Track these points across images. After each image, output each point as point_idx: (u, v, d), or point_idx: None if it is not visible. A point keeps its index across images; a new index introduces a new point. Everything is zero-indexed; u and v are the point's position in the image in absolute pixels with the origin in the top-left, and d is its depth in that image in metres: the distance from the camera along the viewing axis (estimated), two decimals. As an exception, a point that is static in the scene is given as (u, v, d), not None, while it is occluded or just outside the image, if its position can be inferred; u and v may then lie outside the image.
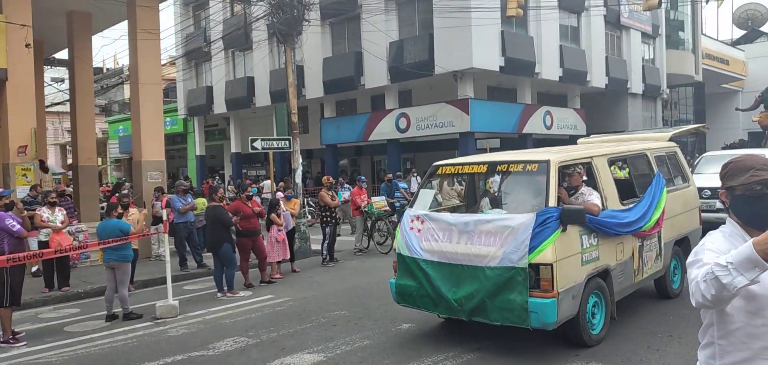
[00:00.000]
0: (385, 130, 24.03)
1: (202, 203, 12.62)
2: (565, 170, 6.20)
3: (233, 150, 32.11)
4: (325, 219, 12.09)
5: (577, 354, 5.83)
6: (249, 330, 7.43)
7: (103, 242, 8.39)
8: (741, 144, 26.19)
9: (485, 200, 6.93)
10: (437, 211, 6.81)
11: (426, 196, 6.85)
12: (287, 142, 15.24)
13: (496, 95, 25.01)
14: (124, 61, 44.77)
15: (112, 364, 6.45)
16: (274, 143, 15.57)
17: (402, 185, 16.89)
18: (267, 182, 19.35)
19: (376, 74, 23.59)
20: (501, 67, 21.89)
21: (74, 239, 11.15)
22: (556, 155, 6.02)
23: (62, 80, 34.37)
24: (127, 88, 34.53)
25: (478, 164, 6.62)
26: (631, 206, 6.57)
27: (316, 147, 28.15)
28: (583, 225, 5.66)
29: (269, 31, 19.41)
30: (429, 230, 6.12)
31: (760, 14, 47.72)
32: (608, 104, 28.73)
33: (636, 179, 7.21)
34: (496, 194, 7.20)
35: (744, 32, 47.88)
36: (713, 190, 12.19)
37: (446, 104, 22.07)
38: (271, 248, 10.73)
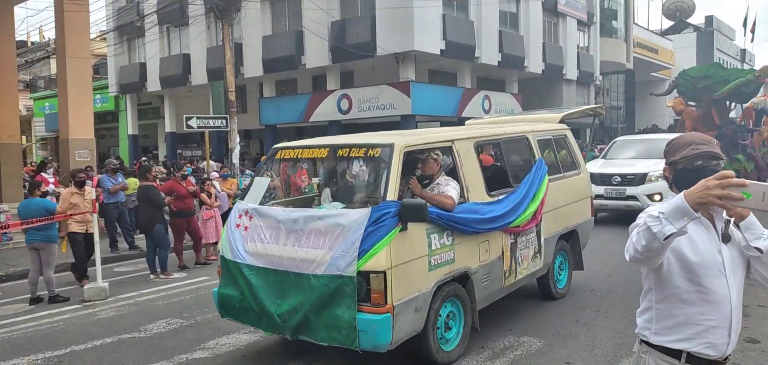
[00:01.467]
0: (326, 111, 23.83)
1: (133, 182, 12.16)
2: (418, 156, 5.36)
3: (168, 129, 31.10)
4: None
5: (510, 329, 6.00)
6: (183, 312, 7.25)
7: (26, 222, 7.98)
8: (653, 129, 27.67)
9: (326, 192, 5.78)
10: (275, 204, 5.68)
11: (260, 186, 5.69)
12: (224, 121, 14.89)
13: (437, 78, 25.22)
14: (50, 34, 42.52)
15: (37, 348, 6.16)
16: (211, 121, 15.18)
17: None
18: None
19: (317, 54, 23.31)
20: (442, 51, 22.06)
21: (-6, 220, 10.55)
22: (403, 138, 5.14)
23: (-19, 53, 32.30)
24: (53, 63, 32.80)
25: (319, 147, 5.54)
26: (500, 198, 5.68)
27: (255, 127, 27.63)
28: (431, 222, 4.83)
29: (206, 6, 18.79)
30: (256, 228, 5.10)
31: (687, 6, 50.13)
32: (544, 89, 29.52)
33: (512, 167, 6.32)
34: (339, 184, 6.24)
35: (672, 23, 50.20)
36: (623, 176, 12.23)
37: (388, 87, 22.09)
38: (203, 228, 10.47)
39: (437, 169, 5.36)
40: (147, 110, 33.73)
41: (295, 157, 5.72)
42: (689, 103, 18.99)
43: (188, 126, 14.79)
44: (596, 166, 13.05)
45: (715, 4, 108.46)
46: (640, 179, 12.09)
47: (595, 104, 34.78)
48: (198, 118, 14.90)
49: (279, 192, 6.21)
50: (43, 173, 14.32)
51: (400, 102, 21.71)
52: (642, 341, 2.37)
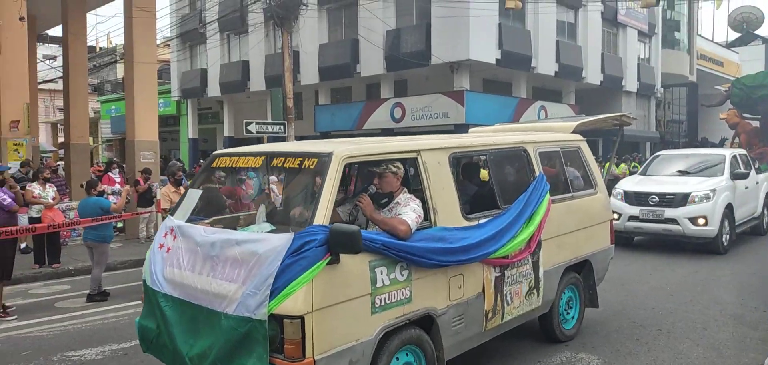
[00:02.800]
0: (379, 119, 23.97)
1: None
2: (371, 169, 4.56)
3: (226, 134, 31.95)
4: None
5: (567, 345, 5.88)
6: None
7: (96, 218, 8.35)
8: (703, 143, 26.36)
9: (261, 209, 5.00)
10: (214, 222, 4.85)
11: (191, 199, 4.84)
12: (282, 127, 15.21)
13: (491, 87, 25.00)
14: (117, 40, 44.46)
15: (104, 340, 6.44)
16: (269, 127, 15.54)
17: None
18: None
19: (372, 63, 23.51)
20: (497, 60, 21.88)
21: (65, 217, 11.10)
22: (345, 147, 4.20)
23: (55, 58, 34.07)
24: (120, 67, 34.24)
25: (255, 155, 4.76)
26: (481, 222, 4.71)
27: (310, 134, 28.02)
28: (374, 252, 3.92)
29: (266, 15, 19.28)
30: (177, 250, 4.34)
31: (755, 17, 47.96)
32: (603, 100, 28.81)
33: (503, 184, 5.30)
34: (277, 200, 5.49)
35: (739, 35, 48.13)
36: (662, 196, 10.77)
37: (442, 95, 22.04)
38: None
39: (397, 185, 4.42)
40: (207, 115, 34.75)
41: (232, 165, 4.75)
42: (744, 115, 17.88)
43: (248, 131, 15.18)
44: (631, 183, 11.94)
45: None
46: (682, 199, 10.59)
47: (657, 116, 33.74)
48: (257, 123, 15.29)
49: (232, 207, 5.51)
50: (109, 173, 14.97)
51: (454, 111, 21.63)
52: None
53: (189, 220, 4.56)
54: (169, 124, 35.20)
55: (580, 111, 27.46)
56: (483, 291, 4.77)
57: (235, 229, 4.51)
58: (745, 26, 47.96)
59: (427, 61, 21.55)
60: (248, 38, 28.21)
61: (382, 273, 3.99)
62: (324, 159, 4.02)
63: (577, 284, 6.08)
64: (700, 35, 36.75)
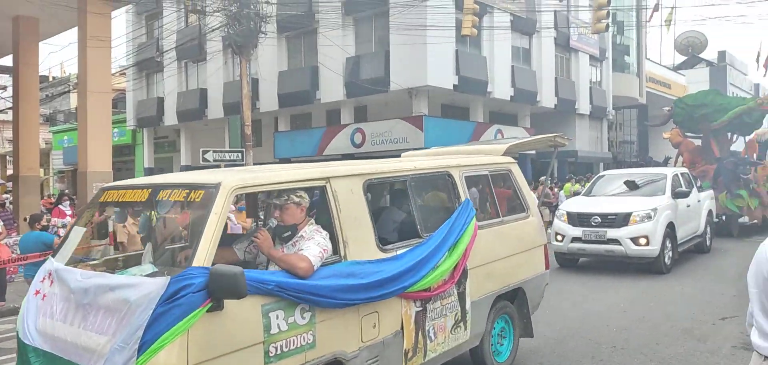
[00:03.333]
0: (340, 145, 24.04)
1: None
2: (273, 201, 4.21)
3: (183, 162, 31.49)
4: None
5: (520, 363, 5.98)
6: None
7: (37, 255, 8.07)
8: (647, 162, 27.15)
9: (148, 248, 4.58)
10: (93, 264, 4.30)
11: (75, 238, 4.33)
12: (240, 154, 15.11)
13: (449, 112, 25.39)
14: (71, 69, 43.43)
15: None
16: (227, 155, 15.42)
17: None
18: None
19: (332, 89, 23.64)
20: (455, 86, 22.28)
21: (13, 252, 10.73)
22: (237, 176, 3.82)
23: (4, 88, 33.06)
24: (73, 97, 33.47)
25: (142, 187, 4.22)
26: (399, 253, 4.36)
27: (269, 161, 27.85)
28: (267, 295, 3.51)
29: (224, 43, 19.20)
30: (52, 297, 3.85)
31: (699, 42, 50.22)
32: (557, 123, 29.52)
33: (425, 211, 5.05)
34: (162, 238, 4.97)
35: (685, 58, 50.24)
36: (604, 217, 10.66)
37: (401, 120, 22.28)
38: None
39: (301, 217, 4.01)
40: (163, 144, 34.22)
41: (119, 200, 4.22)
42: (687, 134, 18.14)
43: (204, 159, 15.03)
44: (574, 204, 11.86)
45: (728, 39, 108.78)
46: (623, 219, 10.50)
47: (609, 137, 34.71)
48: (214, 151, 15.15)
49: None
50: (60, 206, 14.56)
51: (413, 136, 21.87)
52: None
53: (72, 262, 4.06)
54: (124, 154, 34.51)
55: (536, 133, 28.11)
56: (402, 328, 4.39)
57: (114, 272, 4.01)
58: (690, 50, 50.16)
59: (387, 87, 21.80)
60: (206, 66, 28.03)
61: (278, 318, 3.57)
62: (210, 190, 3.59)
63: (510, 313, 5.73)
64: (648, 59, 38.20)
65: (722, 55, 51.08)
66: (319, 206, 4.34)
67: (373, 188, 4.84)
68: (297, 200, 3.97)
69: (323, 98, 24.22)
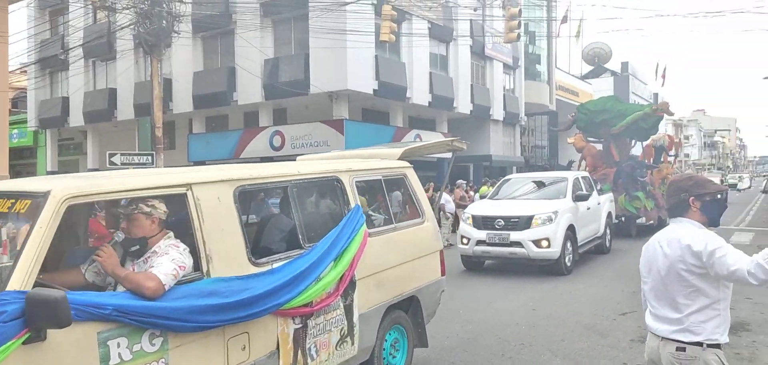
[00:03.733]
0: (258, 148, 23.65)
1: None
2: (115, 211, 3.75)
3: (90, 166, 29.90)
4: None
5: (426, 360, 6.13)
6: None
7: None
8: (552, 166, 28.76)
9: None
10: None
11: None
12: (150, 157, 14.54)
13: (370, 116, 25.59)
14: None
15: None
16: (136, 158, 14.80)
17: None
18: None
19: (249, 91, 23.23)
20: (374, 90, 22.49)
21: None
22: (72, 182, 3.32)
23: None
24: (-34, 94, 30.99)
25: None
26: (274, 267, 3.98)
27: (184, 164, 26.99)
28: (104, 321, 3.02)
29: (135, 42, 18.43)
30: None
31: (605, 52, 53.42)
32: (473, 129, 30.46)
33: (307, 219, 4.62)
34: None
35: (591, 68, 53.21)
36: (507, 219, 10.76)
37: (322, 124, 22.24)
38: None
39: (154, 229, 3.53)
40: (68, 146, 32.36)
41: None
42: (589, 139, 19.10)
43: (111, 163, 14.36)
44: (480, 207, 11.91)
45: (631, 52, 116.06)
46: (525, 222, 10.63)
47: (522, 143, 36.12)
48: (122, 154, 14.50)
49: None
50: None
51: (334, 139, 21.86)
52: (710, 345, 2.82)
53: None
54: (24, 156, 32.36)
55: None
56: (278, 348, 3.99)
57: None
58: (596, 60, 53.23)
59: (306, 90, 21.68)
60: (116, 65, 26.79)
61: (119, 346, 3.11)
62: (38, 200, 3.07)
63: (404, 323, 5.44)
64: (558, 68, 40.15)
65: (625, 65, 54.58)
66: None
67: (247, 196, 4.51)
68: (147, 209, 3.49)
69: (241, 100, 23.75)
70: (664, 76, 50.14)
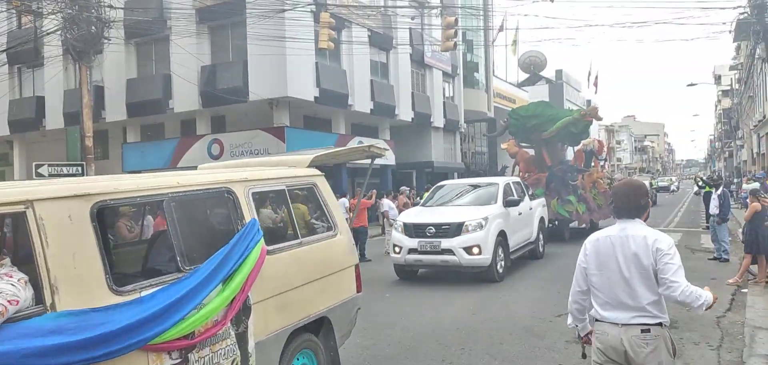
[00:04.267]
0: (196, 156, 23.03)
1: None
2: None
3: (17, 177, 28.37)
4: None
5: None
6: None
7: None
8: (490, 172, 29.35)
9: None
10: None
11: None
12: (80, 168, 13.93)
13: (312, 124, 25.43)
14: None
15: None
16: (65, 169, 14.15)
17: None
18: None
19: (186, 98, 22.65)
20: (316, 98, 22.38)
21: None
22: None
23: None
24: None
25: None
26: (143, 295, 3.45)
27: (118, 174, 26.06)
28: None
29: (63, 48, 17.65)
30: None
31: (540, 61, 55.06)
32: (414, 136, 30.77)
33: (189, 237, 4.01)
34: None
35: (527, 76, 54.77)
36: (438, 227, 10.55)
37: (262, 131, 21.92)
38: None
39: None
40: (-9, 157, 30.64)
41: None
42: (522, 144, 19.08)
43: (38, 174, 13.67)
44: (411, 215, 11.67)
45: (564, 60, 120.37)
46: (456, 229, 10.43)
47: (462, 149, 36.68)
48: (50, 165, 13.83)
49: None
50: None
51: (275, 147, 21.59)
52: (665, 326, 3.25)
53: None
54: (-57, 168, 30.40)
55: (395, 146, 29.03)
56: None
57: None
58: (532, 68, 54.78)
59: (246, 98, 21.34)
60: (43, 72, 25.58)
61: None
62: None
63: (314, 347, 4.94)
64: (495, 76, 41.09)
65: (559, 73, 56.49)
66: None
67: (109, 213, 3.99)
68: None
69: (177, 108, 23.14)
70: (596, 84, 52.08)
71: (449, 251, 10.36)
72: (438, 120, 31.75)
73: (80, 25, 13.17)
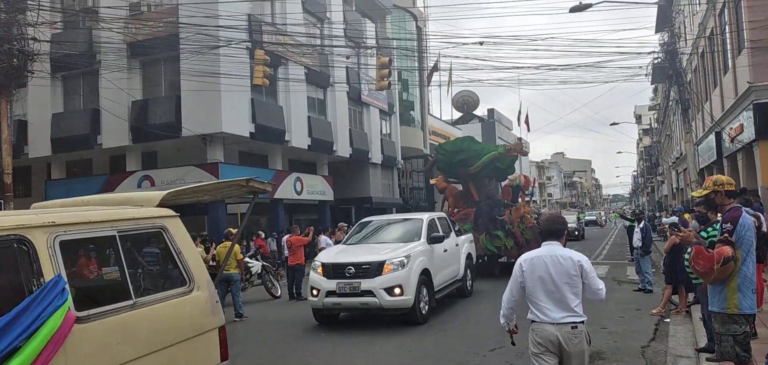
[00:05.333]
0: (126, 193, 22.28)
1: None
2: None
3: (-73, 217, 26.54)
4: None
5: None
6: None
7: None
8: (416, 208, 29.58)
9: None
10: None
11: None
12: None
13: (247, 160, 25.11)
14: None
15: None
16: (-18, 207, 13.33)
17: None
18: None
19: (115, 133, 21.94)
20: (251, 133, 22.16)
21: None
22: None
23: None
24: None
25: None
26: None
27: (41, 213, 24.80)
28: None
29: (-18, 80, 16.78)
30: None
31: (473, 100, 56.80)
32: (353, 171, 30.91)
33: None
34: None
35: (461, 114, 56.27)
36: (357, 267, 9.69)
37: (195, 168, 21.44)
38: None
39: None
40: None
41: None
42: (450, 179, 18.90)
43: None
44: (329, 255, 10.86)
45: (495, 98, 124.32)
46: (377, 269, 9.61)
47: (400, 185, 37.02)
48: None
49: None
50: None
51: (208, 185, 21.14)
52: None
53: None
54: None
55: (334, 182, 29.03)
56: None
57: None
58: (465, 107, 56.33)
59: (178, 133, 20.88)
60: (-42, 104, 24.19)
61: None
62: None
63: None
64: (431, 114, 42.03)
65: (491, 112, 58.40)
66: None
67: None
68: None
69: (105, 143, 22.37)
70: (527, 122, 54.01)
71: (370, 293, 9.55)
72: (376, 156, 32.06)
73: (0, 57, 12.60)
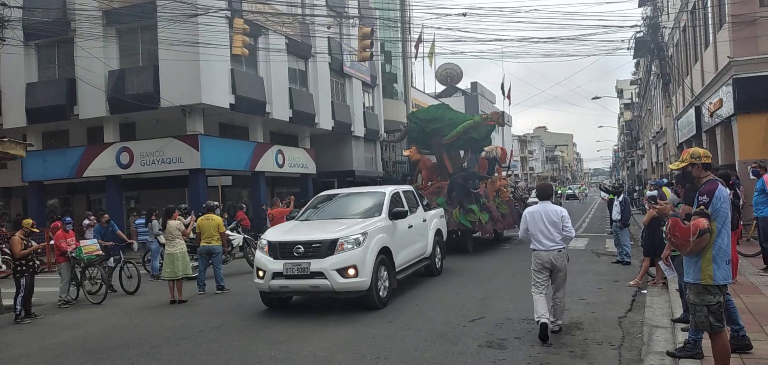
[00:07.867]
0: (104, 165, 21.95)
1: None
2: None
3: None
4: (18, 268, 10.42)
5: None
6: None
7: None
8: (385, 181, 29.34)
9: None
10: None
11: None
12: (-28, 178, 12.84)
13: (228, 132, 24.83)
14: None
15: None
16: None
17: (140, 222, 16.01)
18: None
19: (92, 104, 21.50)
20: (231, 105, 21.85)
21: None
22: None
23: None
24: None
25: None
26: None
27: (17, 184, 24.36)
28: None
29: (-49, 47, 16.29)
30: None
31: (456, 73, 56.59)
32: (335, 144, 30.72)
33: None
34: None
35: (444, 87, 56.09)
36: (307, 245, 8.79)
37: (174, 139, 21.15)
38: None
39: None
40: None
41: None
42: (424, 151, 18.05)
43: None
44: (278, 232, 9.77)
45: (478, 72, 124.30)
46: (329, 247, 8.71)
47: (383, 158, 36.95)
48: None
49: None
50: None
51: (188, 156, 20.89)
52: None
53: None
54: None
55: (316, 155, 28.85)
56: None
57: None
58: (448, 80, 56.16)
59: (157, 104, 20.53)
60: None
61: None
62: None
63: None
64: (414, 87, 41.79)
65: (474, 85, 58.35)
66: None
67: None
68: None
69: (83, 114, 21.92)
70: (509, 96, 54.01)
71: (320, 274, 8.63)
72: (358, 129, 31.86)
73: (-31, 23, 12.21)
